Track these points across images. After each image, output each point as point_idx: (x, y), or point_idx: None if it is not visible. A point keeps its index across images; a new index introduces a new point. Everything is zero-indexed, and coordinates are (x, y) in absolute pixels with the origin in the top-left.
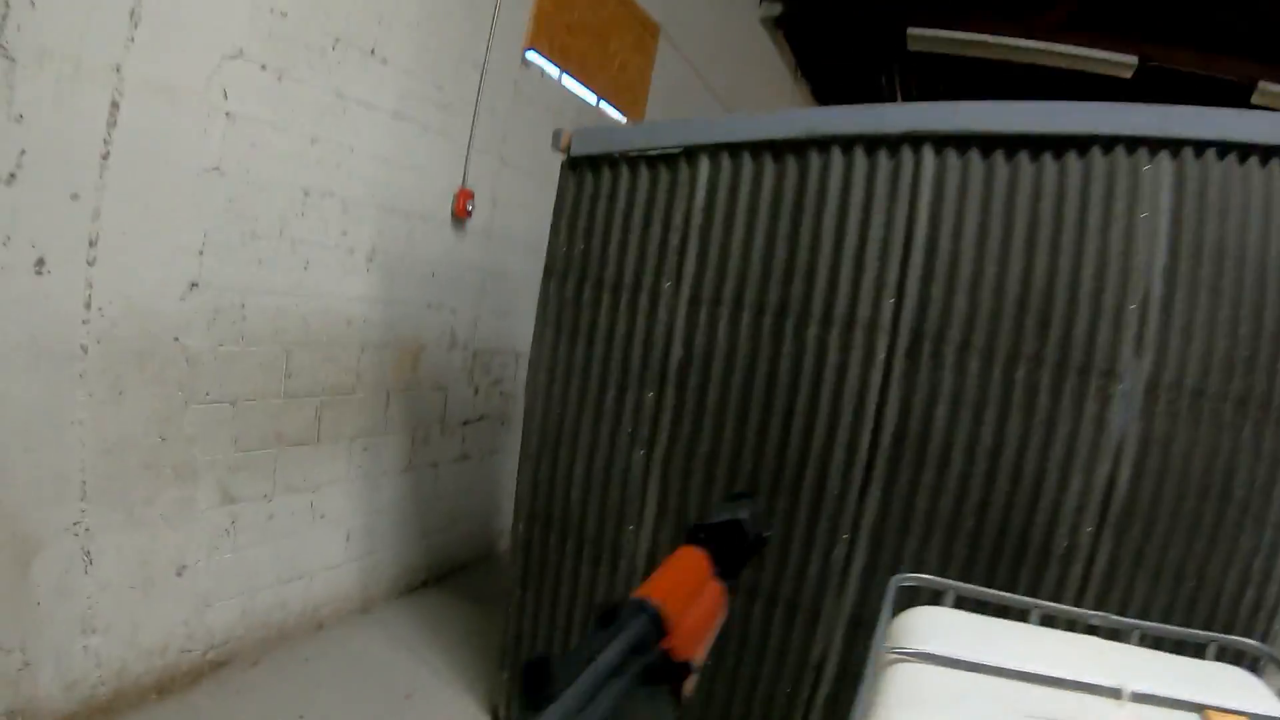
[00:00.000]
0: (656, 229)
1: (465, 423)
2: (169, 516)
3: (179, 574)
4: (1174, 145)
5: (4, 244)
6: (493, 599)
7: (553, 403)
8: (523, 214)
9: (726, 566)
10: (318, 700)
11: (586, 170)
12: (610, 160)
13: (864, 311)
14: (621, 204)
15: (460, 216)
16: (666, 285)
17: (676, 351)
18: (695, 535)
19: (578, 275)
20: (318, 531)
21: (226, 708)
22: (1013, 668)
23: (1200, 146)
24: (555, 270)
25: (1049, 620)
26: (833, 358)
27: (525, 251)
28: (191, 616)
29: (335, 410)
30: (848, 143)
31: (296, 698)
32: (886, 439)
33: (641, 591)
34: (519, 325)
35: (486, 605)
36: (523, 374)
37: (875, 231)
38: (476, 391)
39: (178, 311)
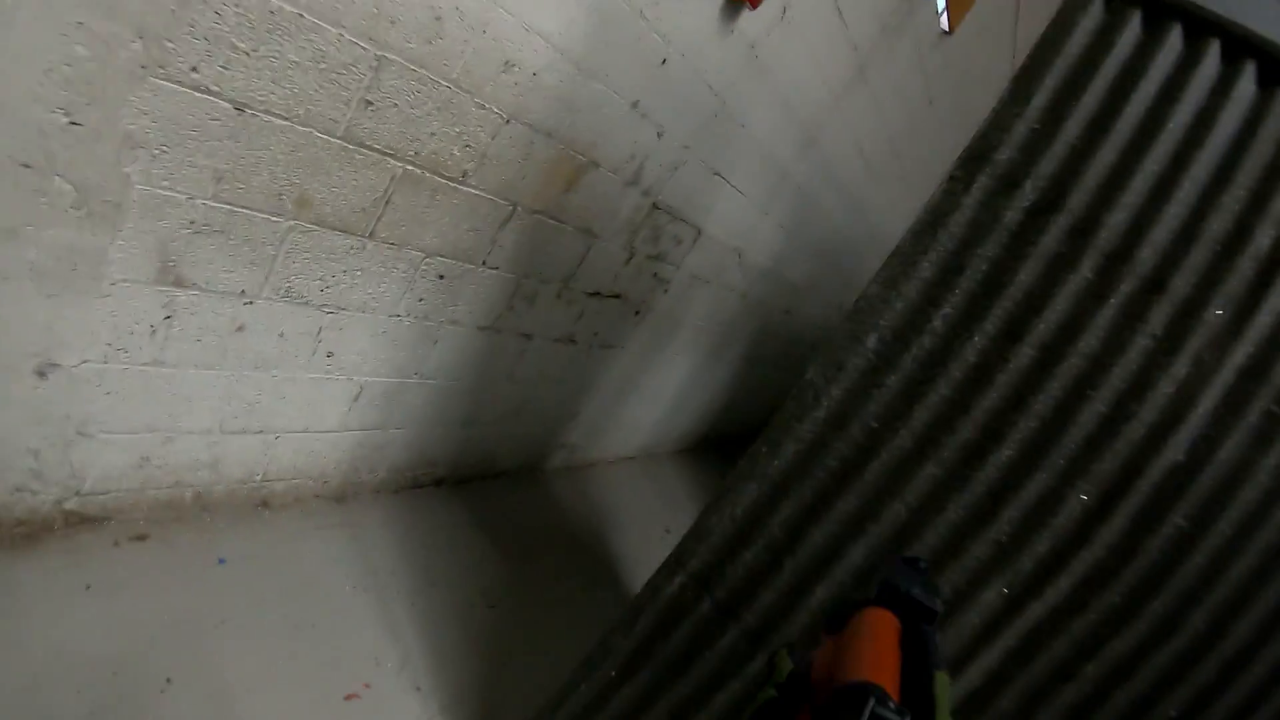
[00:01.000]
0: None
1: (595, 294)
2: (46, 272)
3: (41, 374)
4: None
5: None
6: (527, 529)
7: (854, 428)
8: (824, 47)
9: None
10: (176, 622)
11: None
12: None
13: None
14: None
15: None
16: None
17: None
18: (889, 597)
19: (1038, 196)
20: (311, 375)
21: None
22: None
23: None
24: (990, 167)
25: None
26: None
27: (787, 104)
28: (47, 444)
29: (417, 197)
30: None
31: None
32: None
33: (867, 674)
34: (723, 197)
35: (512, 537)
36: (696, 259)
37: None
38: (630, 258)
39: None
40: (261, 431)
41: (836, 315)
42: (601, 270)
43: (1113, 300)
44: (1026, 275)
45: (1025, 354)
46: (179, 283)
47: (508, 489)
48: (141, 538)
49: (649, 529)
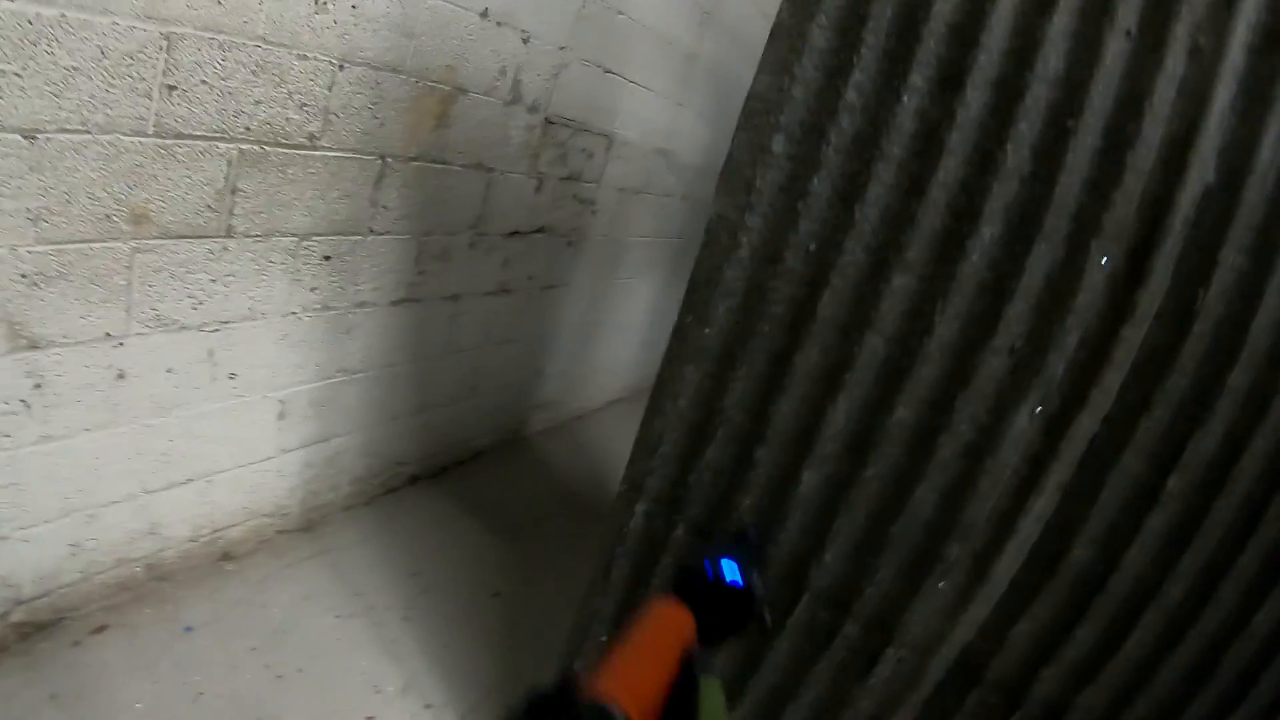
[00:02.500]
0: None
1: (513, 234)
2: None
3: None
4: None
5: None
6: (520, 503)
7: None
8: None
9: (708, 632)
10: (150, 710)
11: None
12: None
13: None
14: None
15: None
16: None
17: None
18: (684, 586)
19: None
20: (220, 405)
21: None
22: None
23: None
24: None
25: None
26: None
27: None
28: None
29: (266, 177)
30: None
31: (117, 703)
32: None
33: (610, 688)
34: (626, 96)
35: (504, 526)
36: (617, 170)
37: None
38: (540, 185)
39: None
40: (189, 480)
41: None
42: (511, 206)
43: (1062, 2)
44: (945, 2)
45: (974, 99)
46: (34, 344)
47: (490, 467)
48: (100, 629)
49: None
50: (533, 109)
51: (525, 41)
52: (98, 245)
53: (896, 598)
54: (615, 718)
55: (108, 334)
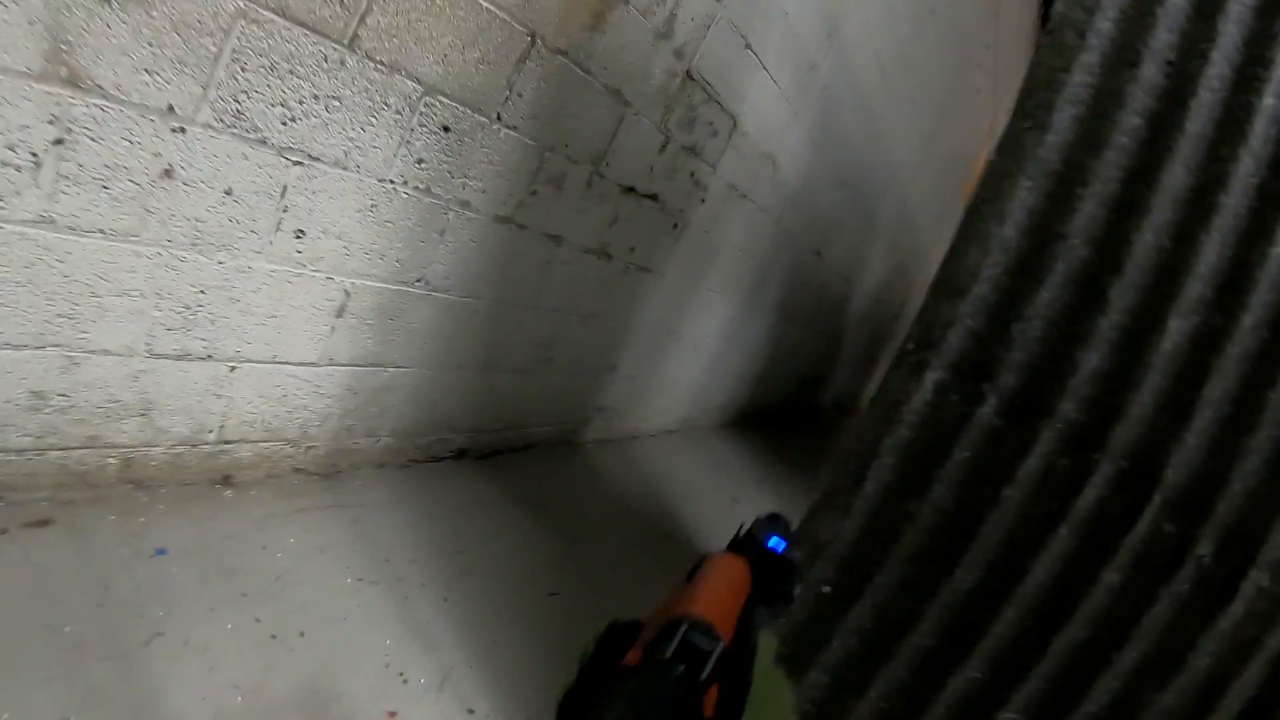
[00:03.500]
0: None
1: (629, 190)
2: None
3: None
4: None
5: None
6: (575, 506)
7: None
8: None
9: (759, 593)
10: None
11: None
12: None
13: None
14: None
15: None
16: None
17: None
18: (744, 547)
19: None
20: (275, 267)
21: None
22: None
23: None
24: None
25: None
26: None
27: None
28: None
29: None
30: None
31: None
32: None
33: (699, 610)
34: (756, 84)
35: (560, 515)
36: (732, 162)
37: None
38: (665, 145)
39: None
40: (210, 356)
41: (860, 265)
42: (635, 155)
43: None
44: None
45: None
46: (75, 80)
47: (543, 462)
48: (42, 523)
49: (714, 500)
50: (679, 54)
51: None
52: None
53: (1268, 501)
54: (711, 637)
55: (170, 108)
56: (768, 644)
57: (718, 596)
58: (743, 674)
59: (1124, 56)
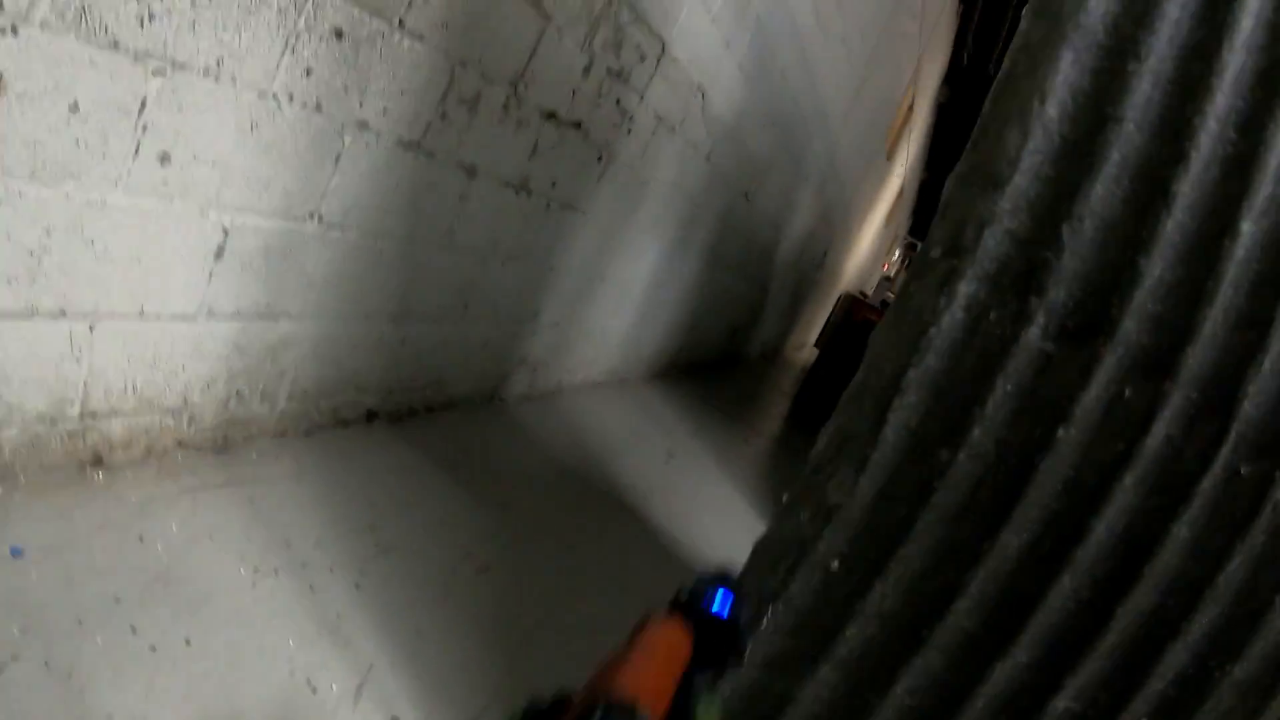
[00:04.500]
0: None
1: (551, 116)
2: None
3: None
4: None
5: None
6: (503, 469)
7: None
8: None
9: (701, 658)
10: None
11: None
12: None
13: None
14: None
15: None
16: None
17: None
18: (686, 609)
19: None
20: (136, 200)
21: None
22: None
23: None
24: None
25: None
26: None
27: None
28: None
29: None
30: None
31: None
32: None
33: (625, 687)
34: (687, 4)
35: (487, 480)
36: (660, 91)
37: None
38: (589, 67)
39: None
40: (63, 312)
41: (789, 210)
42: (557, 77)
43: None
44: None
45: None
46: None
47: (464, 423)
48: None
49: (648, 454)
50: None
51: None
52: None
53: None
54: (632, 716)
55: None
56: (708, 712)
57: (649, 668)
58: None
59: None
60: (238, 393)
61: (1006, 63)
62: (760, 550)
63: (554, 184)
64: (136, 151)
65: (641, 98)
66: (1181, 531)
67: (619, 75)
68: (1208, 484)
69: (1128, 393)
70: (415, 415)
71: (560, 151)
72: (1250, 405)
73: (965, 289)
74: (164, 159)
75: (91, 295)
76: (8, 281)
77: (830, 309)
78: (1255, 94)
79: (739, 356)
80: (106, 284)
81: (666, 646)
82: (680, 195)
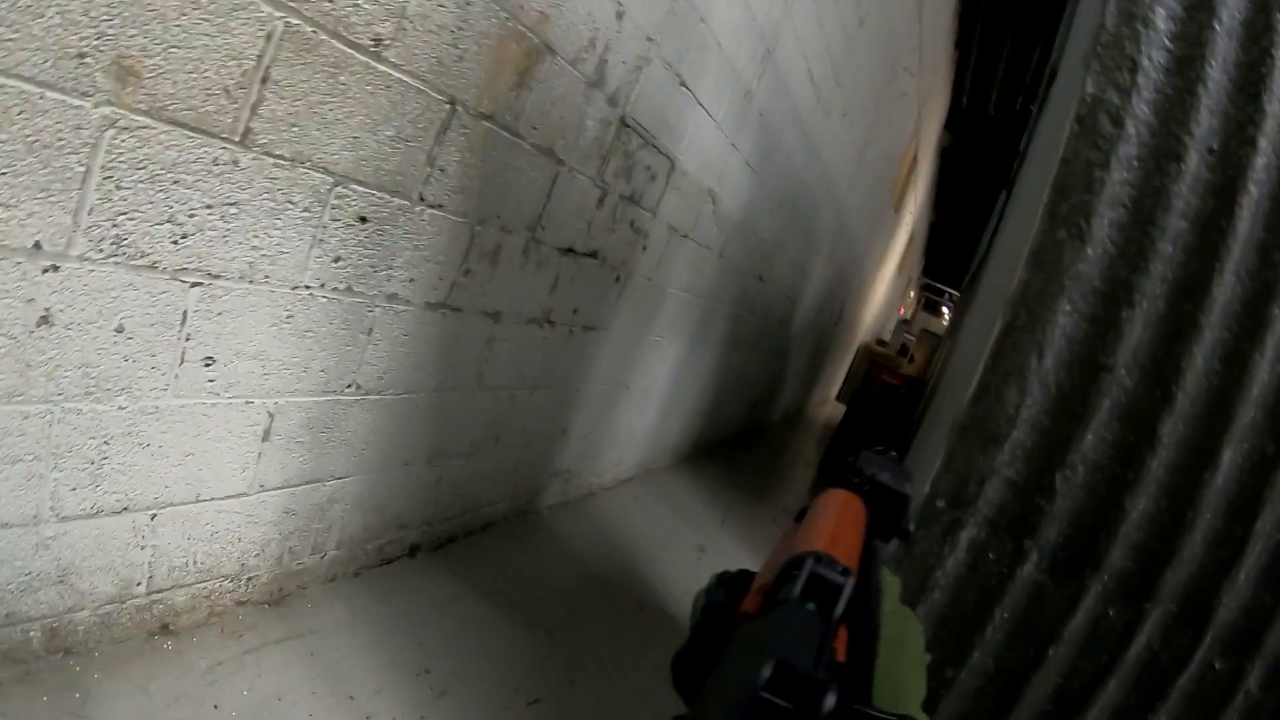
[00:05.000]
0: None
1: (568, 251)
2: None
3: None
4: None
5: None
6: (543, 589)
7: None
8: None
9: (878, 528)
10: None
11: None
12: None
13: None
14: None
15: None
16: None
17: None
18: (858, 484)
19: None
20: (185, 402)
21: None
22: None
23: None
24: None
25: None
26: None
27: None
28: None
29: (312, 74)
30: None
31: None
32: None
33: (822, 545)
34: (693, 121)
35: (530, 616)
36: (672, 203)
37: None
38: (603, 198)
39: None
40: (126, 509)
41: (803, 280)
42: (572, 214)
43: None
44: None
45: None
46: None
47: (502, 542)
48: None
49: (682, 554)
50: (612, 101)
51: (619, 15)
52: (54, 95)
53: None
54: (841, 571)
55: (37, 245)
56: (891, 581)
57: (837, 532)
58: (870, 614)
59: (1166, 147)
60: (290, 550)
61: (1006, 314)
62: None
63: (575, 310)
64: (182, 360)
65: (654, 214)
66: None
67: (631, 199)
68: (1185, 680)
69: (1112, 613)
70: (455, 540)
71: (579, 280)
72: (1225, 611)
73: (967, 535)
74: (208, 362)
75: (150, 490)
76: (72, 489)
77: (851, 359)
78: (1241, 324)
79: (762, 426)
80: (164, 478)
81: (847, 513)
82: (695, 295)
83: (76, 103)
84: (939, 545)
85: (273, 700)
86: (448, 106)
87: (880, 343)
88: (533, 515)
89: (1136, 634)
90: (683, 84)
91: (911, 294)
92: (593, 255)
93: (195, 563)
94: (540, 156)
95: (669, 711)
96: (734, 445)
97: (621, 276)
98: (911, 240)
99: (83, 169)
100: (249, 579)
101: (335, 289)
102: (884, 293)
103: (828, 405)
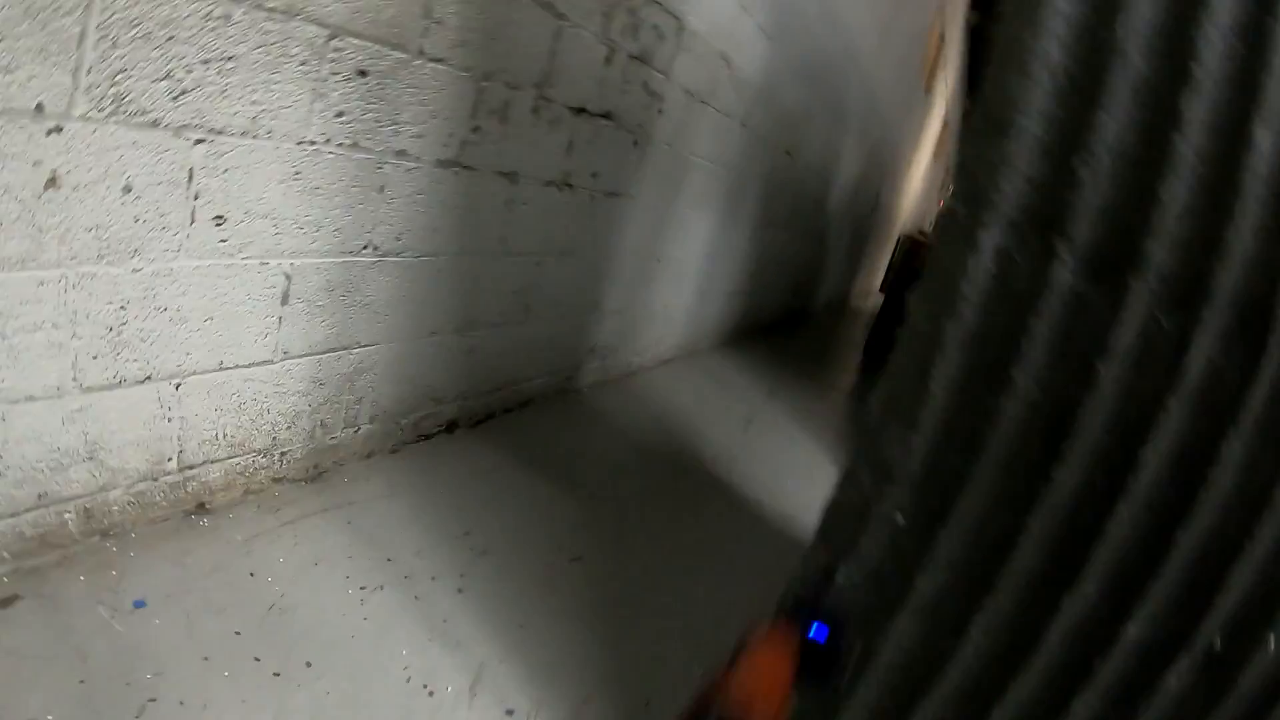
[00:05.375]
0: None
1: (580, 110)
2: None
3: None
4: None
5: None
6: (585, 459)
7: None
8: None
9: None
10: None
11: None
12: None
13: None
14: None
15: None
16: None
17: None
18: (790, 626)
19: None
20: (199, 263)
21: None
22: None
23: None
24: None
25: None
26: None
27: None
28: None
29: None
30: None
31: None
32: None
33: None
34: None
35: (571, 481)
36: (685, 66)
37: None
38: (610, 56)
39: None
40: (149, 378)
41: (834, 160)
42: (580, 73)
43: None
44: None
45: None
46: None
47: (542, 418)
48: (9, 601)
49: (727, 424)
50: None
51: None
52: None
53: None
54: None
55: (39, 107)
56: None
57: (757, 685)
58: None
59: None
60: (322, 423)
61: (1001, 6)
62: (828, 513)
63: (595, 175)
64: (192, 219)
65: (668, 76)
66: (1234, 451)
67: (641, 59)
68: (1253, 400)
69: (1164, 322)
70: (494, 417)
71: (597, 143)
72: None
73: (989, 238)
74: (219, 221)
75: (173, 357)
76: (93, 358)
77: (892, 251)
78: None
79: (805, 312)
80: (185, 345)
81: (771, 665)
82: (722, 166)
83: None
84: (960, 253)
85: (309, 565)
86: None
87: (921, 233)
88: (572, 393)
89: (1192, 345)
90: None
91: (950, 185)
92: (606, 116)
93: (225, 435)
94: (539, 10)
95: (710, 568)
96: (779, 330)
97: (640, 141)
98: (946, 126)
99: (79, 29)
100: (282, 454)
101: (341, 144)
102: (921, 182)
103: (871, 297)
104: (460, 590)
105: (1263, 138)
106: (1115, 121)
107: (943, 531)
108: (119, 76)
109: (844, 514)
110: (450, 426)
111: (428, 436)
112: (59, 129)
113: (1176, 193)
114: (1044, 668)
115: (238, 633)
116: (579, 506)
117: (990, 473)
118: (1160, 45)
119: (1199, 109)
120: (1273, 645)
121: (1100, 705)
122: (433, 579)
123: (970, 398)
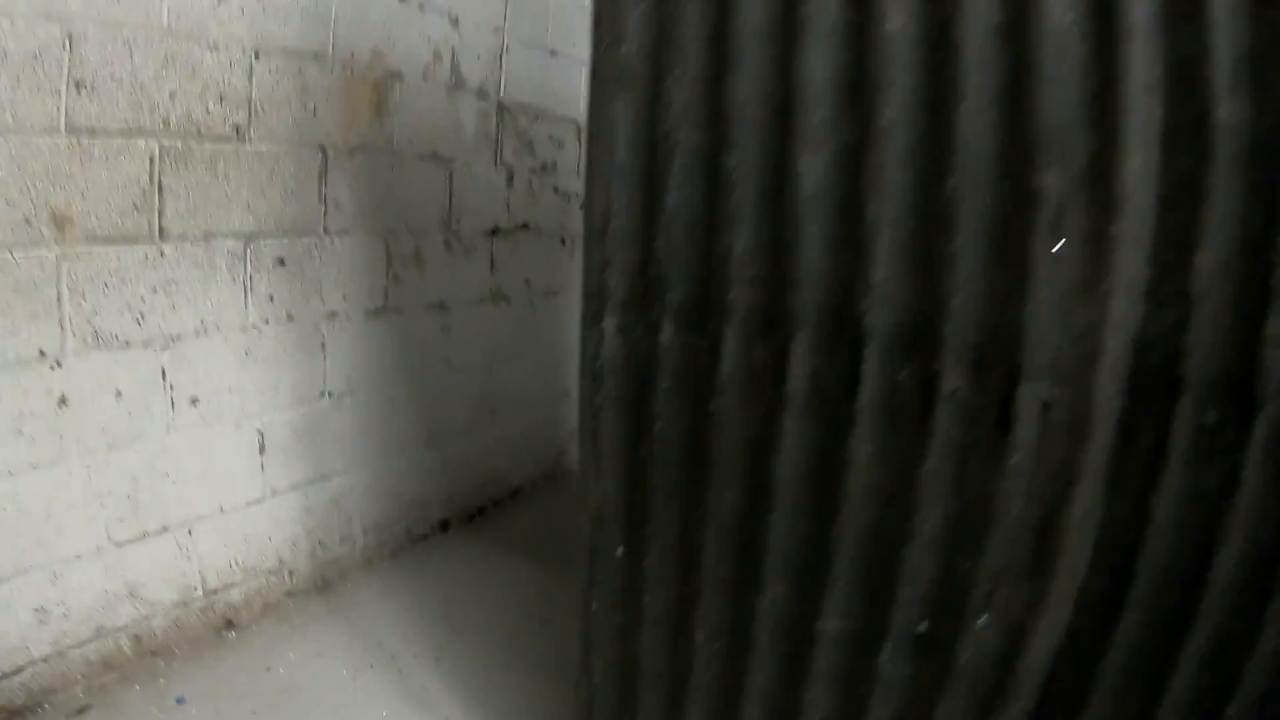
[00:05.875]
0: None
1: (494, 231)
2: None
3: None
4: None
5: None
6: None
7: None
8: None
9: None
10: None
11: None
12: None
13: None
14: None
15: None
16: None
17: None
18: None
19: None
20: (186, 436)
21: None
22: None
23: None
24: None
25: None
26: None
27: None
28: None
29: (194, 173)
30: None
31: None
32: None
33: None
34: (579, 78)
35: (550, 558)
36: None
37: None
38: (511, 178)
39: None
40: (164, 529)
41: None
42: (483, 201)
43: None
44: None
45: None
46: None
47: (530, 504)
48: (82, 710)
49: None
50: (481, 94)
51: (455, 24)
52: (18, 254)
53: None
54: None
55: (41, 353)
56: None
57: None
58: None
59: None
60: (320, 542)
61: (587, 134)
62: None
63: (528, 281)
64: (173, 405)
65: (578, 172)
66: (862, 447)
67: (544, 169)
68: (863, 401)
69: (756, 352)
70: (484, 511)
71: (520, 253)
72: (873, 315)
73: (611, 321)
74: (194, 401)
75: (181, 510)
76: (120, 520)
77: None
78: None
79: None
80: (188, 498)
81: None
82: None
83: (35, 251)
84: (594, 338)
85: (313, 657)
86: (320, 154)
87: None
88: (561, 474)
89: (788, 364)
90: (553, 52)
91: None
92: (524, 227)
93: (238, 563)
94: (426, 163)
95: None
96: None
97: (566, 238)
98: None
99: (55, 293)
100: (290, 572)
101: (279, 321)
102: None
103: None
104: (437, 660)
105: (806, 164)
106: (683, 202)
107: (647, 559)
108: (93, 318)
109: (589, 553)
110: (444, 525)
111: (423, 538)
112: (59, 364)
113: (740, 247)
114: (765, 664)
115: (253, 712)
116: (554, 577)
117: (663, 502)
118: (704, 118)
119: (745, 172)
120: (979, 623)
121: (829, 694)
122: (414, 655)
123: (630, 449)
